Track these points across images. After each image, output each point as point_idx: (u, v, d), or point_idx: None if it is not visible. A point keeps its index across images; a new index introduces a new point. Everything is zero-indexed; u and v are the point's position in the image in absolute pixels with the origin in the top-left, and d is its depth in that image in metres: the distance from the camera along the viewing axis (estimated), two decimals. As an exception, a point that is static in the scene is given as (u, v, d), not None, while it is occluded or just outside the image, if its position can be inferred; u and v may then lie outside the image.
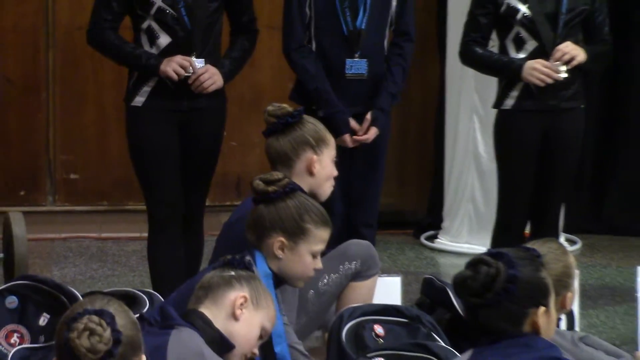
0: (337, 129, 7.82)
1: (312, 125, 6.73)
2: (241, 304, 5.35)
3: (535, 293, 4.43)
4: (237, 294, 5.37)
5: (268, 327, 5.62)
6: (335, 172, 6.78)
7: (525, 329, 4.42)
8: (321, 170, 6.65)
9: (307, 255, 6.16)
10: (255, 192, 6.16)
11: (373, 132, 8.11)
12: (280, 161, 6.49)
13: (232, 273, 5.54)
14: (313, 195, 6.42)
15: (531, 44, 7.93)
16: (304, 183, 6.36)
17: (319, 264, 6.18)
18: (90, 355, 3.83)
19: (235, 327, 5.41)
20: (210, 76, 7.72)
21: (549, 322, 4.46)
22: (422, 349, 6.30)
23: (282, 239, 6.05)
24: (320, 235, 6.19)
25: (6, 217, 8.95)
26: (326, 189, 6.64)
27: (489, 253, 4.51)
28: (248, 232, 6.23)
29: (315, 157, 6.58)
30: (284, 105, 6.68)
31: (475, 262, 4.35)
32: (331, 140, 6.78)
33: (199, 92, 7.72)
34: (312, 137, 6.64)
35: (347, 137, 7.96)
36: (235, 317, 5.41)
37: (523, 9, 7.94)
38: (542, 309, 4.41)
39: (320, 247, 6.17)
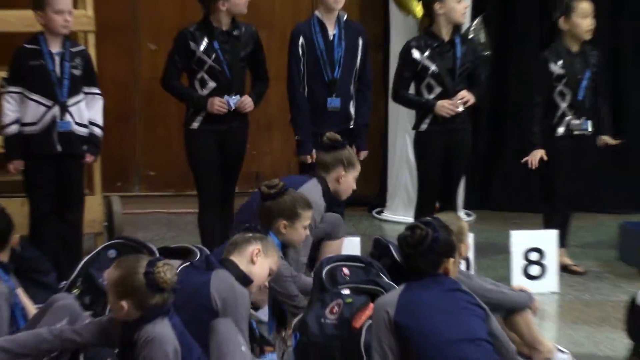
0: (303, 151, 8.58)
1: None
2: (256, 254, 6.14)
3: (448, 249, 5.49)
4: (254, 247, 6.15)
5: (274, 268, 6.34)
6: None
7: (439, 272, 5.50)
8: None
9: (301, 229, 7.15)
10: (262, 194, 7.15)
11: (362, 155, 8.65)
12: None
13: (250, 235, 6.33)
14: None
15: (438, 89, 8.50)
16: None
17: (307, 232, 7.26)
18: (168, 283, 4.89)
19: (253, 269, 6.13)
20: (248, 102, 8.32)
21: (454, 267, 5.64)
22: (373, 283, 6.62)
23: (284, 221, 7.05)
24: (307, 215, 7.22)
25: (108, 200, 9.32)
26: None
27: (421, 221, 5.70)
28: (260, 220, 7.17)
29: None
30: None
31: (412, 227, 5.52)
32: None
33: (242, 112, 8.35)
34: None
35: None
36: (253, 262, 6.13)
37: (432, 67, 8.43)
38: (451, 259, 5.55)
39: (308, 222, 7.23)
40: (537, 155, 9.00)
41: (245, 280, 6.02)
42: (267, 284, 6.40)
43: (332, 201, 8.29)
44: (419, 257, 5.47)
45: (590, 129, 8.98)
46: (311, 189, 7.71)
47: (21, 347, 5.22)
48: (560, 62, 8.92)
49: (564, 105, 8.95)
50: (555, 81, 8.89)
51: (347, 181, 7.71)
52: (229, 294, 5.86)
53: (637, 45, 11.77)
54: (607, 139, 9.23)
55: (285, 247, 7.14)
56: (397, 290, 5.60)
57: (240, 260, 6.10)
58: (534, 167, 9.06)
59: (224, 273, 5.95)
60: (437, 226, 5.60)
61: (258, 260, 6.14)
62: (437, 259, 5.50)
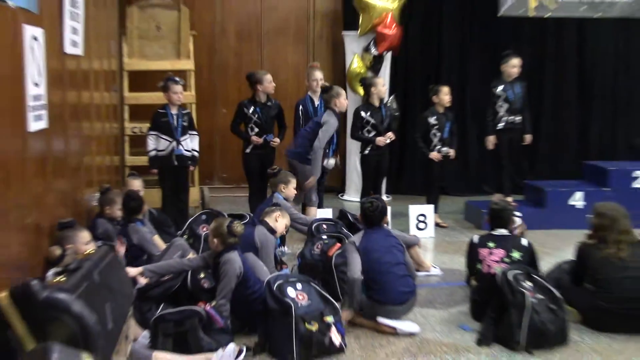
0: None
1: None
2: (278, 216, 6.12)
3: (385, 212, 5.62)
4: (276, 213, 6.13)
5: (288, 224, 6.30)
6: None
7: (382, 224, 5.58)
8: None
9: (291, 189, 7.12)
10: (268, 173, 7.24)
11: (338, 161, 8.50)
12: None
13: (274, 207, 6.30)
14: None
15: (373, 132, 8.10)
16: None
17: (295, 191, 7.26)
18: (238, 232, 5.01)
19: (277, 225, 6.09)
20: (276, 140, 8.13)
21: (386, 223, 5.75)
22: (338, 232, 6.46)
23: (282, 185, 7.04)
24: (293, 182, 7.15)
25: (202, 189, 8.97)
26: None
27: (374, 197, 5.77)
28: (270, 187, 7.22)
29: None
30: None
31: (371, 200, 5.59)
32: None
33: (272, 144, 8.11)
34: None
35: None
36: (276, 221, 6.09)
37: (372, 120, 8.12)
38: (386, 218, 5.68)
39: (294, 186, 7.20)
40: (491, 140, 8.81)
41: (272, 231, 6.05)
42: (284, 232, 6.34)
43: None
44: (374, 216, 5.52)
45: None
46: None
47: (161, 269, 5.22)
48: (502, 87, 8.73)
49: (501, 110, 8.71)
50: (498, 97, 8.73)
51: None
52: (263, 238, 5.88)
53: (548, 82, 11.08)
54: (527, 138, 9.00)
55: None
56: (361, 232, 5.57)
57: (269, 220, 6.13)
58: (490, 148, 8.83)
59: (261, 227, 6.00)
60: (381, 200, 5.66)
61: (279, 220, 6.16)
62: (381, 217, 5.59)
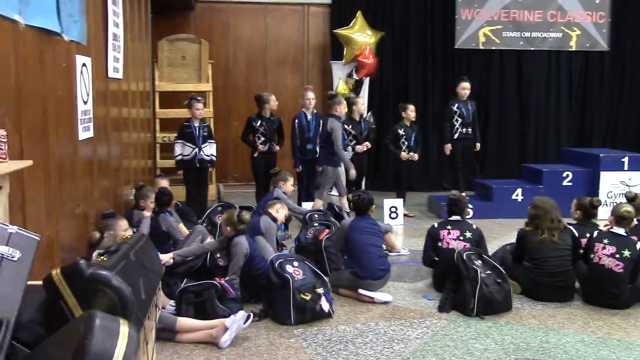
0: (296, 166, 8.05)
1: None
2: (279, 208, 6.03)
3: (372, 203, 5.52)
4: (277, 205, 6.04)
5: (287, 213, 6.22)
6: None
7: (368, 213, 5.50)
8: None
9: (289, 185, 6.97)
10: (271, 173, 7.26)
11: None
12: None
13: (275, 200, 6.20)
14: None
15: (354, 141, 8.16)
16: None
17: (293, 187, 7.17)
18: (247, 220, 5.00)
19: (278, 215, 6.00)
20: (278, 148, 8.13)
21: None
22: (327, 221, 6.48)
23: (282, 182, 6.94)
24: (290, 180, 7.00)
25: (218, 186, 8.93)
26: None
27: (362, 191, 5.81)
28: (272, 184, 7.11)
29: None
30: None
31: (359, 194, 5.59)
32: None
33: (274, 150, 8.07)
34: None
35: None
36: (277, 212, 5.99)
37: (353, 132, 8.18)
38: (372, 207, 5.55)
39: (291, 182, 7.06)
40: (448, 148, 8.75)
41: (274, 219, 5.97)
42: (284, 220, 6.24)
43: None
44: (362, 206, 5.48)
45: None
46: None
47: (186, 253, 5.15)
48: (457, 105, 8.68)
49: (457, 123, 8.68)
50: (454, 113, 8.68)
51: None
52: (267, 225, 5.85)
53: (494, 101, 10.95)
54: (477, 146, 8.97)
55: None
56: (349, 219, 5.61)
57: (272, 210, 6.05)
58: (448, 153, 8.78)
59: (265, 217, 5.95)
60: (368, 194, 5.62)
61: (280, 211, 6.07)
62: (368, 207, 5.52)
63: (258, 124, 8.12)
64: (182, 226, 6.34)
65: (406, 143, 8.50)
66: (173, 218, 6.18)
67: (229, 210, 5.30)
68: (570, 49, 11.04)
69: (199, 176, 7.75)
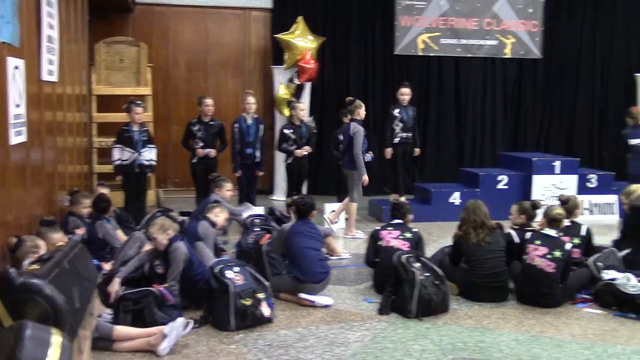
0: (235, 170, 8.07)
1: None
2: (218, 212, 5.95)
3: (314, 207, 5.56)
4: (217, 209, 5.96)
5: (227, 217, 6.18)
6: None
7: (309, 217, 5.51)
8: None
9: (225, 191, 6.86)
10: (209, 179, 7.20)
11: (260, 173, 8.31)
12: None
13: (215, 204, 6.10)
14: None
15: (294, 145, 8.06)
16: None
17: (231, 192, 7.02)
18: (177, 219, 5.15)
19: (217, 219, 5.90)
20: (213, 152, 7.99)
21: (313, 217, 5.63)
22: (268, 225, 6.52)
23: (217, 188, 6.84)
24: (227, 186, 6.90)
25: (157, 192, 8.92)
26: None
27: (304, 195, 5.86)
28: (211, 189, 6.97)
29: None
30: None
31: (302, 197, 5.66)
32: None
33: (213, 156, 7.96)
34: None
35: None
36: (217, 216, 5.92)
37: (293, 136, 8.12)
38: (314, 212, 5.57)
39: (229, 188, 6.94)
40: (388, 152, 8.82)
41: (213, 224, 5.89)
42: (223, 223, 6.17)
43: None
44: (304, 210, 5.49)
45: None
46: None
47: (127, 272, 5.00)
48: (397, 110, 8.77)
49: (397, 128, 8.79)
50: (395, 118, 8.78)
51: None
52: (205, 230, 5.75)
53: (433, 107, 11.00)
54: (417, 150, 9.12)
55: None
56: (290, 223, 5.58)
57: (211, 215, 5.97)
58: (388, 158, 8.85)
59: (204, 222, 5.86)
60: (311, 198, 5.65)
61: (219, 215, 6.00)
62: (310, 211, 5.54)
63: (196, 128, 8.04)
64: (120, 233, 6.26)
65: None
66: (111, 225, 6.09)
67: (155, 220, 5.23)
68: (505, 56, 11.35)
69: (138, 181, 7.64)
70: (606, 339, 4.61)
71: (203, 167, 8.01)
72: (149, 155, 7.63)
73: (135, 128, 7.54)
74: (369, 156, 8.05)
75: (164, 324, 4.27)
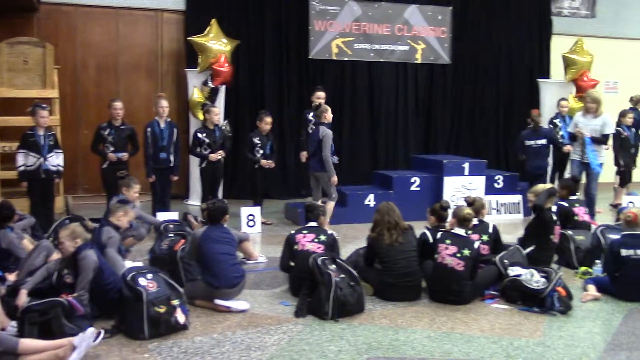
0: (148, 175, 7.97)
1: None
2: (121, 215, 5.83)
3: (226, 212, 5.43)
4: (120, 212, 5.85)
5: (130, 219, 6.04)
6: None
7: (222, 222, 5.40)
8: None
9: (133, 192, 6.75)
10: (118, 177, 7.10)
11: (175, 177, 8.25)
12: None
13: (118, 205, 5.99)
14: None
15: (208, 150, 8.05)
16: None
17: (137, 195, 6.91)
18: (91, 228, 5.00)
19: (120, 221, 5.82)
20: (126, 156, 7.76)
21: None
22: (182, 231, 6.39)
23: (125, 188, 6.75)
24: (135, 187, 6.81)
25: (66, 198, 8.54)
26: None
27: (218, 199, 5.81)
28: (119, 188, 6.85)
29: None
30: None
31: (214, 202, 5.51)
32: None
33: (124, 160, 7.77)
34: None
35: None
36: (120, 219, 5.81)
37: (207, 140, 8.07)
38: (227, 216, 5.46)
39: (137, 189, 6.85)
40: (304, 155, 8.81)
41: (116, 228, 5.79)
42: (128, 225, 6.07)
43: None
44: (216, 214, 5.41)
45: None
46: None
47: (34, 284, 4.84)
48: (312, 113, 8.74)
49: (312, 131, 8.62)
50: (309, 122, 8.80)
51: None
52: (108, 235, 5.62)
53: (346, 110, 11.08)
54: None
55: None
56: (203, 228, 5.47)
57: (113, 218, 5.85)
58: (304, 161, 8.84)
59: (107, 227, 5.72)
60: (223, 202, 5.58)
61: (122, 218, 5.88)
62: (222, 215, 5.45)
63: (107, 132, 7.84)
64: (25, 242, 5.97)
65: (261, 151, 8.50)
66: (14, 234, 5.83)
67: (68, 225, 5.07)
68: (416, 62, 11.63)
69: (45, 188, 7.38)
70: (512, 332, 4.80)
71: (114, 172, 7.78)
72: (56, 160, 7.40)
73: (41, 132, 7.30)
74: (335, 158, 8.34)
75: (73, 335, 4.12)
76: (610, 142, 9.96)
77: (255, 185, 8.73)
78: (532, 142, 8.96)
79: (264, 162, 8.47)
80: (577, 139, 8.60)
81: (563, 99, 10.32)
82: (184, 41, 10.40)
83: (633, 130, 10.04)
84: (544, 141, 8.94)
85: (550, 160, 9.79)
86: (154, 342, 4.47)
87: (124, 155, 7.88)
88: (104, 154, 7.84)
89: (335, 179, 7.88)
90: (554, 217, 6.41)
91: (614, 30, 13.00)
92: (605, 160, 8.72)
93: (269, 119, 8.54)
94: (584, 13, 12.86)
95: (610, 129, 8.58)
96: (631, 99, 10.73)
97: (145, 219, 6.96)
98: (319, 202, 7.11)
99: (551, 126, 9.83)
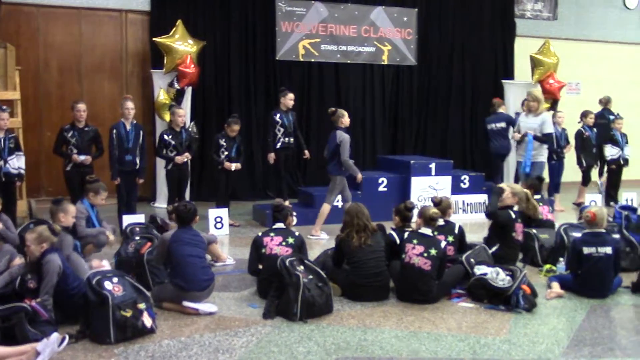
0: (113, 178, 7.77)
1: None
2: (62, 216, 5.59)
3: (196, 214, 5.41)
4: (60, 214, 5.58)
5: (73, 220, 5.79)
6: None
7: (191, 224, 5.39)
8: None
9: (99, 199, 6.47)
10: (84, 180, 6.66)
11: (141, 180, 8.06)
12: None
13: (56, 208, 5.68)
14: None
15: (174, 152, 8.01)
16: None
17: (103, 201, 6.61)
18: (59, 231, 4.89)
19: (64, 221, 5.59)
20: (89, 159, 7.63)
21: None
22: (149, 233, 6.33)
23: (92, 193, 6.43)
24: (104, 194, 6.52)
25: (29, 201, 8.27)
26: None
27: (186, 202, 5.60)
28: (85, 193, 6.54)
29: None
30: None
31: (184, 204, 5.43)
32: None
33: (87, 163, 7.62)
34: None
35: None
36: (62, 219, 5.59)
37: (173, 142, 8.01)
38: (197, 218, 5.46)
39: (104, 196, 6.53)
40: (271, 157, 8.81)
41: (66, 229, 5.57)
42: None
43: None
44: (186, 217, 5.38)
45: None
46: None
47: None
48: (279, 115, 8.79)
49: (279, 133, 8.80)
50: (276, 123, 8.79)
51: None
52: (59, 238, 5.22)
53: (314, 111, 11.12)
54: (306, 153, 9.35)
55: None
56: (172, 231, 5.42)
57: (58, 221, 5.58)
58: (272, 162, 8.88)
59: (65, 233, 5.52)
60: (192, 205, 5.52)
61: (64, 218, 5.64)
62: (192, 218, 5.43)
63: (70, 134, 7.71)
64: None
65: (226, 153, 8.45)
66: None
67: (35, 228, 4.95)
68: (382, 63, 11.71)
69: (6, 191, 7.21)
70: (479, 330, 4.86)
71: (78, 174, 7.65)
72: (17, 163, 7.28)
73: (1, 135, 7.18)
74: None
75: (37, 340, 4.07)
76: (573, 142, 10.35)
77: (219, 187, 8.66)
78: (492, 125, 9.89)
79: (227, 164, 8.42)
80: (522, 142, 8.68)
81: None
82: (149, 42, 10.33)
83: (595, 130, 10.32)
84: (503, 124, 9.84)
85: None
86: (120, 346, 4.42)
87: (87, 159, 7.76)
88: (68, 156, 7.72)
89: (360, 176, 8.16)
90: (513, 215, 6.46)
91: (576, 33, 13.29)
92: (567, 159, 8.96)
93: (236, 127, 8.49)
94: (547, 15, 13.09)
95: (550, 128, 8.63)
96: (600, 101, 11.16)
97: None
98: (286, 203, 7.14)
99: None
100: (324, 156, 8.47)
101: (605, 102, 10.99)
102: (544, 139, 8.54)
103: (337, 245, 5.73)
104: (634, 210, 7.35)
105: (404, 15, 11.79)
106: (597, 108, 11.14)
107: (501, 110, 10.13)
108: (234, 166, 8.46)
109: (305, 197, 9.32)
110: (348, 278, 5.53)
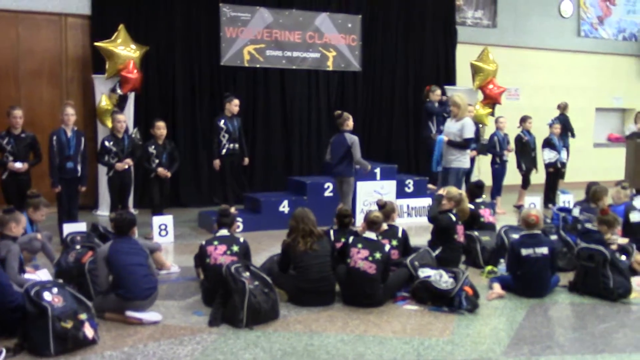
0: (54, 185, 7.54)
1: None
2: (14, 226, 5.44)
3: (135, 223, 5.39)
4: (12, 224, 5.44)
5: (22, 231, 5.62)
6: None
7: (130, 234, 5.32)
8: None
9: (39, 215, 6.38)
10: (26, 196, 6.56)
11: (84, 188, 7.93)
12: None
13: (5, 217, 5.50)
14: None
15: (116, 159, 7.85)
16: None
17: (44, 217, 6.51)
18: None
19: (14, 231, 5.44)
20: (25, 167, 7.42)
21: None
22: (92, 242, 6.10)
23: (32, 208, 6.34)
24: (44, 211, 6.45)
25: None
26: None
27: (123, 211, 5.57)
28: (25, 209, 6.37)
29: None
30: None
31: (121, 213, 5.39)
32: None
33: (23, 170, 7.42)
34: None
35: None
36: (13, 230, 5.44)
37: (114, 149, 7.88)
38: (134, 228, 5.42)
39: (44, 212, 6.47)
40: (216, 163, 8.76)
41: (13, 239, 5.46)
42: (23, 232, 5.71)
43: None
44: (123, 226, 5.29)
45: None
46: None
47: None
48: (223, 121, 8.70)
49: (224, 139, 8.72)
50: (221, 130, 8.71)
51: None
52: (6, 248, 5.32)
53: (259, 117, 9.65)
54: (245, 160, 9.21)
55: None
56: (110, 242, 5.30)
57: (7, 230, 5.46)
58: (217, 169, 8.81)
59: (4, 240, 5.40)
60: (130, 214, 5.48)
61: (15, 228, 5.49)
62: (130, 227, 5.35)
63: (5, 141, 7.48)
64: None
65: (157, 161, 8.22)
66: None
67: None
68: (327, 69, 11.77)
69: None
70: (423, 332, 4.94)
71: (15, 182, 7.46)
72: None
73: None
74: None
75: (-29, 355, 3.96)
76: (513, 146, 10.66)
77: (152, 196, 8.40)
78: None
79: (160, 170, 8.20)
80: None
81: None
82: (90, 46, 10.10)
83: (534, 135, 10.66)
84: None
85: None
86: (60, 358, 4.33)
87: (24, 166, 7.55)
88: (4, 163, 7.49)
89: (369, 167, 8.57)
90: (454, 219, 6.61)
91: (514, 40, 13.64)
92: (509, 162, 9.10)
93: (160, 124, 8.30)
94: (486, 23, 13.42)
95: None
96: (558, 106, 11.51)
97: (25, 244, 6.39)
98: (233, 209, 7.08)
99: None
100: (326, 161, 8.71)
101: (563, 107, 11.37)
102: (463, 143, 8.30)
103: (283, 251, 5.74)
104: (570, 211, 7.61)
105: (349, 21, 11.88)
106: (537, 113, 11.48)
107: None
108: (163, 173, 8.20)
109: (251, 203, 9.29)
110: (294, 283, 5.55)
